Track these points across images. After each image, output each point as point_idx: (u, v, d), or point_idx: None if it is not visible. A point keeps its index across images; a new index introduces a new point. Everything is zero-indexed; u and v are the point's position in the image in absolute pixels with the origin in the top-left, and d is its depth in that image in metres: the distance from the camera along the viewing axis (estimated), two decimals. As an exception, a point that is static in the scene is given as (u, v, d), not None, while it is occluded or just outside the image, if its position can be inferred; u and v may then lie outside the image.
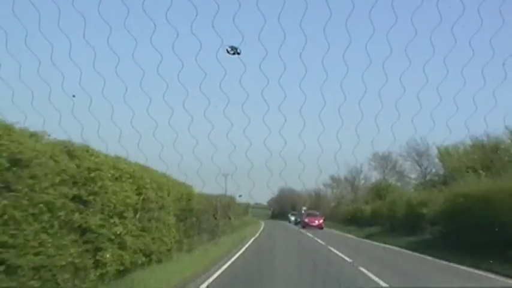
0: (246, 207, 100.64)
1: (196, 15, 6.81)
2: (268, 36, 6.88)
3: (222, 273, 12.62)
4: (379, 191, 49.00)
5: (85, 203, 8.67)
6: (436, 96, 7.61)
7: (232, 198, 40.69)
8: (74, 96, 8.05)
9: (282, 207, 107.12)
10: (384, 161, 57.77)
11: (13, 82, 7.27)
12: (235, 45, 7.31)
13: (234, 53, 7.26)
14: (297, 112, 7.52)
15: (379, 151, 53.78)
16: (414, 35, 6.96)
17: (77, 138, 9.79)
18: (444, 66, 7.05)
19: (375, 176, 60.54)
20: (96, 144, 9.74)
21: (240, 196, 29.77)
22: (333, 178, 71.86)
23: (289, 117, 7.40)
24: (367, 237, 32.45)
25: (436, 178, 40.29)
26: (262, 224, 52.95)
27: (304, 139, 7.58)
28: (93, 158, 9.12)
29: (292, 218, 70.67)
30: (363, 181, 67.08)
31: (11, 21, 7.11)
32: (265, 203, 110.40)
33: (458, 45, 6.94)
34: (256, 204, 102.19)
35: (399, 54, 7.40)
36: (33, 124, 8.88)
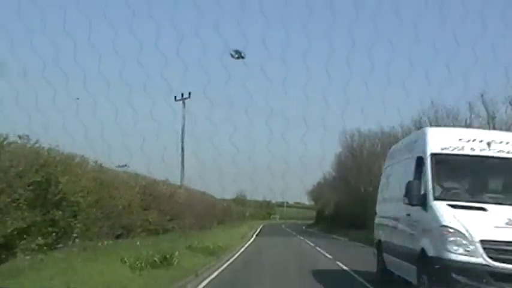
0: (269, 206, 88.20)
1: (200, 20, 6.83)
2: (272, 40, 6.91)
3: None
4: None
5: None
6: (438, 99, 7.64)
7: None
8: (77, 98, 8.10)
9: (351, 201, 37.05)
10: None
11: (18, 84, 7.30)
12: (239, 49, 7.35)
13: (238, 57, 7.31)
14: (300, 115, 7.55)
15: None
16: (417, 39, 6.97)
17: (80, 140, 9.86)
18: (447, 69, 7.07)
19: None
20: (100, 146, 9.77)
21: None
22: None
23: (291, 120, 7.43)
24: None
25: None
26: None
27: (307, 142, 7.61)
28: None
29: None
30: None
31: (16, 24, 7.13)
32: (306, 203, 77.93)
33: (461, 49, 6.96)
34: (297, 203, 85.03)
35: (402, 59, 7.43)
36: (36, 125, 8.94)
